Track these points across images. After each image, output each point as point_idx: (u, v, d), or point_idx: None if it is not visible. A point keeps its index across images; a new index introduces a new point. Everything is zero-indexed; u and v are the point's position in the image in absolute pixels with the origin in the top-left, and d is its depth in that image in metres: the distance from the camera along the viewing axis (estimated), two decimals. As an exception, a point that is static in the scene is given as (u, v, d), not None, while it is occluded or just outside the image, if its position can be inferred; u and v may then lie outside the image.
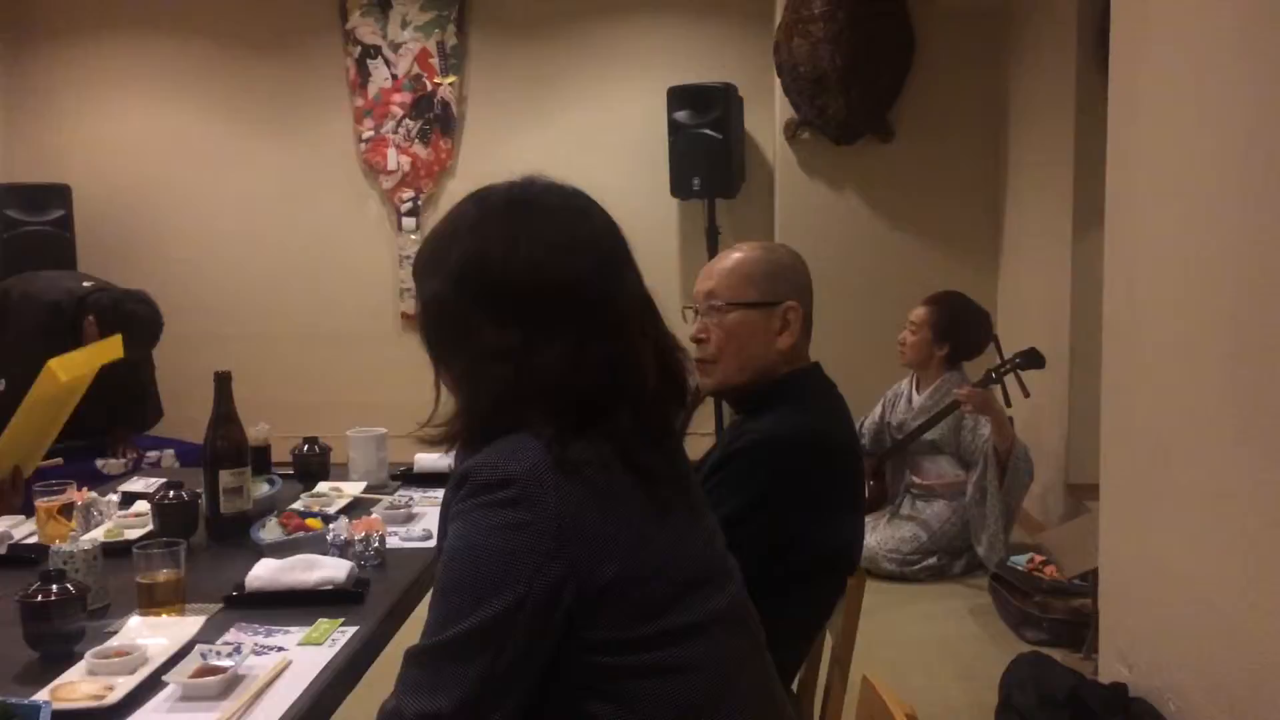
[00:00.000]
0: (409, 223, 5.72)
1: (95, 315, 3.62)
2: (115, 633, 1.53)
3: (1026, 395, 3.95)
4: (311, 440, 2.56)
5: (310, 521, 2.06)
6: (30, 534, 2.08)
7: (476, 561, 1.09)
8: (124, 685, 1.34)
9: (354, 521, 1.95)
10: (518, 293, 1.16)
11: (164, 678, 1.37)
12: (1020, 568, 3.60)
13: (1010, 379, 3.99)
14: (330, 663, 1.46)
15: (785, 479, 1.72)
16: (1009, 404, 3.99)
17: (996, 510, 3.88)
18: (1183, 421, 2.25)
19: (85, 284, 3.88)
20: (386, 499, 2.30)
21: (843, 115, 4.97)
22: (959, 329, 4.12)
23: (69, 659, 1.45)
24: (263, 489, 2.28)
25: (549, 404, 1.15)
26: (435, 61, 5.64)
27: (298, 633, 1.56)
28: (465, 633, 1.07)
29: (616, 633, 1.13)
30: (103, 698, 1.31)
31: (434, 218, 5.66)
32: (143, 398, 4.32)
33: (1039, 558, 3.61)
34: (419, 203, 5.72)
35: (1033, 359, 3.96)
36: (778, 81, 5.06)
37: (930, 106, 5.06)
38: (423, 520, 2.16)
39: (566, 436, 1.14)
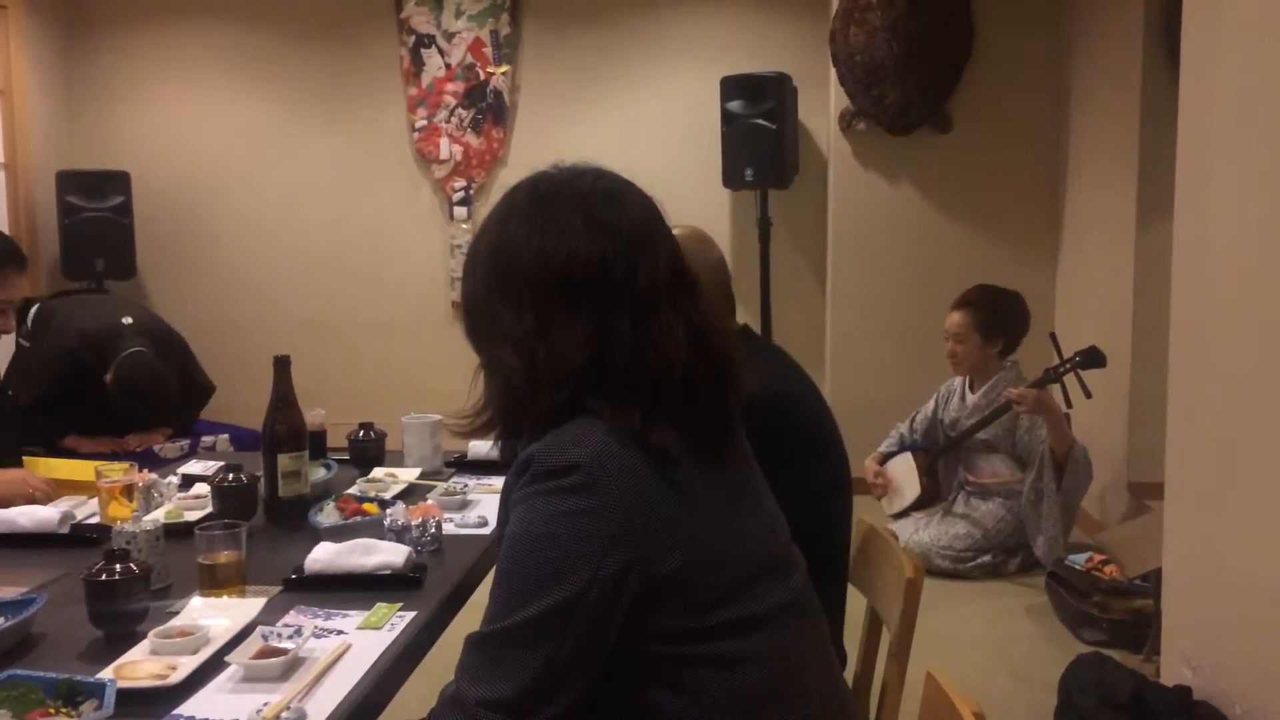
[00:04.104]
0: (460, 212, 5.74)
1: (114, 376, 3.70)
2: (177, 613, 1.53)
3: (1088, 396, 3.86)
4: (367, 426, 2.57)
5: (367, 506, 2.07)
6: (92, 514, 2.11)
7: (540, 548, 1.08)
8: (187, 665, 1.34)
9: (411, 507, 1.95)
10: (531, 279, 1.16)
11: (226, 659, 1.37)
12: (1078, 566, 3.53)
13: (1070, 379, 3.90)
14: (389, 647, 1.46)
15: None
16: (1069, 404, 3.90)
17: (1055, 512, 3.80)
18: (1253, 419, 2.19)
19: (125, 320, 3.89)
20: (441, 485, 2.30)
21: (899, 105, 4.90)
22: (1004, 321, 4.03)
23: (132, 638, 1.45)
24: (319, 473, 2.29)
25: (601, 389, 1.14)
26: (489, 51, 5.65)
27: (356, 616, 1.56)
28: (528, 619, 1.07)
29: (680, 622, 1.12)
30: (166, 677, 1.31)
31: (485, 207, 5.66)
32: (201, 399, 4.43)
33: (1098, 556, 3.54)
34: (470, 192, 5.74)
35: (1093, 358, 3.86)
36: (833, 71, 5.00)
37: (990, 96, 4.97)
38: (478, 507, 2.15)
39: (630, 421, 1.12)
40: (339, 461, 2.46)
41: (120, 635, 1.47)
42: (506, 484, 1.17)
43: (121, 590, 1.47)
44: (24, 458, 2.62)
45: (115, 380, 3.69)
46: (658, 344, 1.15)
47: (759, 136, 4.97)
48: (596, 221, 1.17)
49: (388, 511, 1.95)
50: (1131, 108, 4.11)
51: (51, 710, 1.18)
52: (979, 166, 4.99)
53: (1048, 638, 3.40)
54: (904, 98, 4.88)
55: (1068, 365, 3.89)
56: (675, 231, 1.99)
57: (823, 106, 5.19)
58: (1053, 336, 4.07)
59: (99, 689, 1.23)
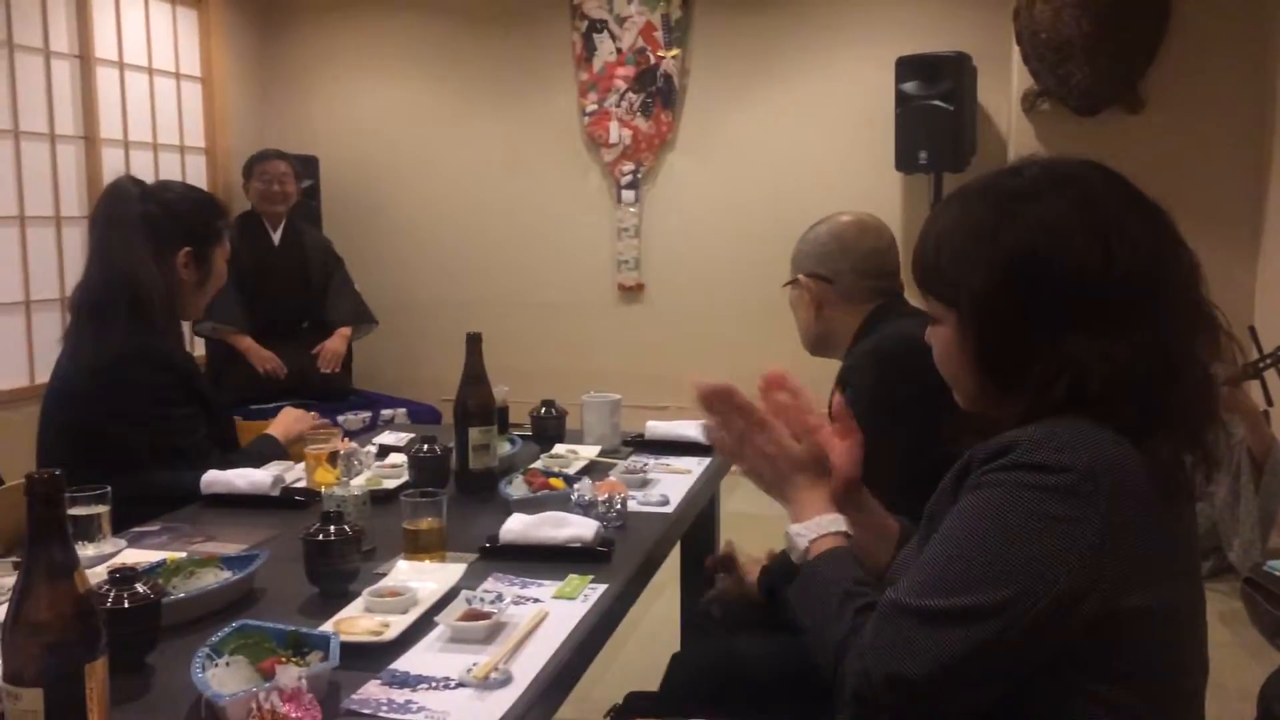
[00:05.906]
0: (628, 195, 5.80)
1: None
2: (385, 575, 1.61)
3: (1292, 392, 3.62)
4: (549, 403, 2.63)
5: (553, 481, 2.12)
6: (298, 479, 2.23)
7: (1003, 539, 1.01)
8: (399, 623, 1.41)
9: (597, 483, 1.99)
10: (1073, 291, 1.10)
11: (435, 619, 1.43)
12: (1278, 573, 3.32)
13: (1271, 375, 3.67)
14: (585, 617, 1.50)
15: (871, 393, 1.82)
16: (1270, 402, 3.67)
17: (1252, 516, 3.59)
18: None
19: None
20: (621, 464, 2.34)
21: (1087, 85, 4.68)
22: None
23: (344, 596, 1.53)
24: (505, 448, 2.36)
25: (1111, 399, 1.07)
26: (659, 35, 5.67)
27: (550, 586, 1.60)
28: (966, 607, 1.00)
29: (1126, 665, 1.04)
30: (380, 633, 1.38)
31: (653, 190, 5.76)
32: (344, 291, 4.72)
33: (1301, 564, 3.33)
34: (638, 175, 5.78)
35: (1298, 352, 3.62)
36: (1016, 50, 4.82)
37: (1186, 75, 4.69)
38: (658, 485, 2.18)
39: (1134, 434, 1.04)
40: (522, 437, 2.53)
41: (334, 593, 1.55)
42: (959, 469, 1.11)
43: (338, 550, 1.55)
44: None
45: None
46: (1183, 362, 1.09)
47: (935, 118, 4.83)
48: (1132, 233, 1.13)
49: (575, 487, 1.99)
50: (1350, 85, 3.81)
51: (284, 659, 1.26)
52: (1173, 150, 4.71)
53: (1243, 646, 3.22)
54: (1092, 76, 4.66)
55: (1268, 361, 3.66)
56: (817, 226, 2.11)
57: (1003, 87, 5.01)
58: (1252, 330, 3.82)
59: (324, 641, 1.30)
